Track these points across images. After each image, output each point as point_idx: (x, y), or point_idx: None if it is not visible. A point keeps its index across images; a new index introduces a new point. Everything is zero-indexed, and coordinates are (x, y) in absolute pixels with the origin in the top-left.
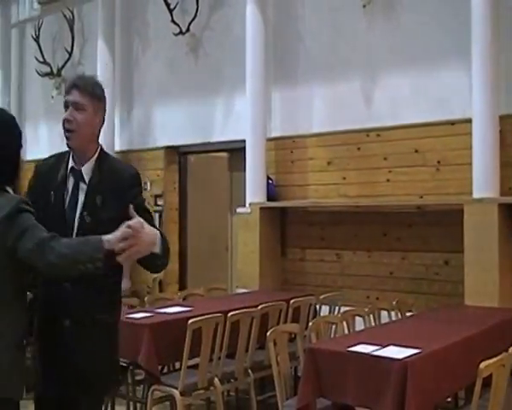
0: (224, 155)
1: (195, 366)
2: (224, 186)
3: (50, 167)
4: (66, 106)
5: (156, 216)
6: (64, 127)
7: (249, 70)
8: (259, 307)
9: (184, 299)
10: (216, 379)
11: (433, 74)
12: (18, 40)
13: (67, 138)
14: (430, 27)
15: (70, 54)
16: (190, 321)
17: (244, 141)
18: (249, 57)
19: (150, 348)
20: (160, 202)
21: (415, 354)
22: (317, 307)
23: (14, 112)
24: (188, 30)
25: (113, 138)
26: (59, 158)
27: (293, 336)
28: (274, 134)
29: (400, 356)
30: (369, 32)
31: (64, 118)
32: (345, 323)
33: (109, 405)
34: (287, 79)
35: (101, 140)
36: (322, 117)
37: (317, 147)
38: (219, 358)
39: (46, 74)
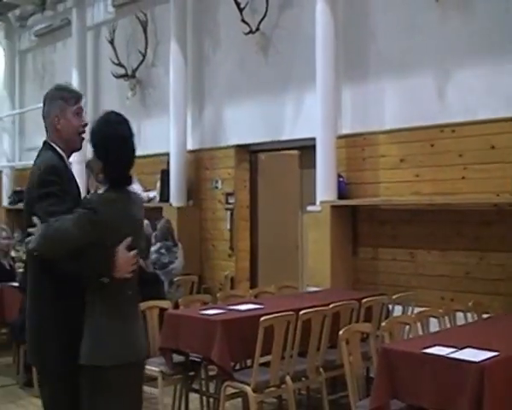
0: (295, 152)
1: (267, 364)
2: (295, 184)
3: (65, 170)
4: (80, 113)
5: (228, 214)
6: (82, 131)
7: (319, 67)
8: (331, 306)
9: (256, 296)
10: (288, 377)
11: (508, 68)
12: (93, 43)
13: (83, 139)
14: (504, 20)
15: (144, 55)
16: (262, 319)
17: (314, 139)
18: (319, 54)
19: (223, 345)
20: (231, 200)
21: (492, 357)
22: (390, 307)
23: (90, 113)
24: (258, 29)
25: (186, 138)
26: (60, 160)
27: (365, 335)
28: (344, 131)
29: (477, 359)
30: (442, 26)
31: (86, 123)
32: (419, 324)
33: (183, 398)
34: (357, 75)
35: (173, 139)
36: (394, 113)
37: (388, 144)
38: (291, 356)
39: (121, 76)
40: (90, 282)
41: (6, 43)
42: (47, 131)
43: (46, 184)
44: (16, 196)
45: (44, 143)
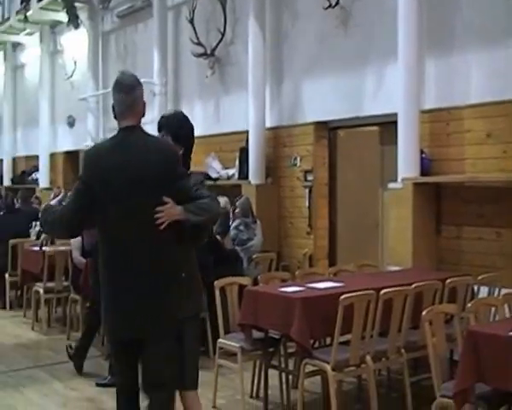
0: (375, 128)
1: (346, 343)
2: (375, 161)
3: None
4: None
5: (306, 191)
6: None
7: (401, 40)
8: (413, 286)
9: (335, 275)
10: (368, 357)
11: None
12: (173, 23)
13: None
14: None
15: (222, 34)
16: (342, 297)
17: (396, 114)
18: (401, 26)
19: (302, 322)
20: (309, 178)
21: None
22: (475, 288)
23: (170, 92)
24: (337, 3)
25: (264, 115)
26: None
27: (448, 317)
28: (428, 106)
29: None
30: None
31: None
32: (506, 306)
33: (262, 374)
34: (442, 46)
35: (252, 117)
36: (481, 86)
37: (475, 118)
38: (371, 336)
39: (200, 55)
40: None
41: (89, 25)
42: (130, 116)
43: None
44: None
45: (139, 126)
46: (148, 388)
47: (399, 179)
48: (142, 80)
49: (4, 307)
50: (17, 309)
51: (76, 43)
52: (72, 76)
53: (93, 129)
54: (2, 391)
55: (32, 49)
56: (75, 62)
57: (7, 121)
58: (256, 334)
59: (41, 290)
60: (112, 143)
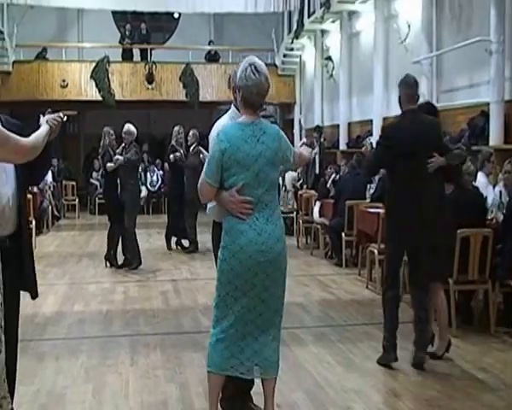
0: None
1: None
2: None
3: None
4: None
5: None
6: None
7: None
8: None
9: None
10: None
11: None
12: None
13: None
14: None
15: None
16: None
17: None
18: None
19: None
20: None
21: None
22: None
23: (508, 49)
24: None
25: None
26: None
27: None
28: None
29: None
30: None
31: None
32: None
33: None
34: None
35: None
36: None
37: None
38: None
39: None
40: None
41: None
42: None
43: None
44: None
45: None
46: None
47: None
48: (477, 38)
49: (340, 265)
50: (352, 267)
51: (410, 7)
52: (405, 40)
53: (426, 92)
54: (340, 343)
55: (366, 16)
56: (409, 26)
57: (343, 88)
58: None
59: (375, 251)
60: None
